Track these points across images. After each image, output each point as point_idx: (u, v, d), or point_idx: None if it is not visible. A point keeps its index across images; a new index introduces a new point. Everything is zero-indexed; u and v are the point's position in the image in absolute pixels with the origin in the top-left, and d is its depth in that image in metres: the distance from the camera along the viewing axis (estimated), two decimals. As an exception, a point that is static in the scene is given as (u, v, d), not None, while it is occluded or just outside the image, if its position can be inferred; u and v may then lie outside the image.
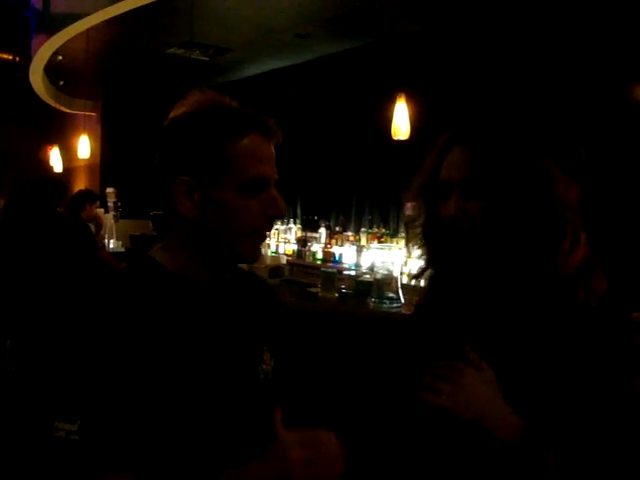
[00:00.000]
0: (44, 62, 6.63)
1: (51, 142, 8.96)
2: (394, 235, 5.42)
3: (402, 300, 3.33)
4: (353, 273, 4.82)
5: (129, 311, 1.02)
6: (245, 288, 1.25)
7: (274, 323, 1.26)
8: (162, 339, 1.01)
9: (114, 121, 8.65)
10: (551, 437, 1.05)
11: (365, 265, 5.08)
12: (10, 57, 8.60)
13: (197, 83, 6.17)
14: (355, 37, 5.33)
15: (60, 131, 9.68)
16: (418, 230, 1.31)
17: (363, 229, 5.77)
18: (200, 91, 1.12)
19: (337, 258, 5.56)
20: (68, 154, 8.75)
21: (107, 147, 8.74)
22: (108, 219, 6.76)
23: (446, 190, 1.20)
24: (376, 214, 5.91)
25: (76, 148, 7.33)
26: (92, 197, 5.18)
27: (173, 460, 0.98)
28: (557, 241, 1.14)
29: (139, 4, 4.60)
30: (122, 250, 6.64)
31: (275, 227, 6.06)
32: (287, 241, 6.25)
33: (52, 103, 8.61)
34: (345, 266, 5.32)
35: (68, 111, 9.06)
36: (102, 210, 6.48)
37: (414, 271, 1.37)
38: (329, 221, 6.22)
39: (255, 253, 1.13)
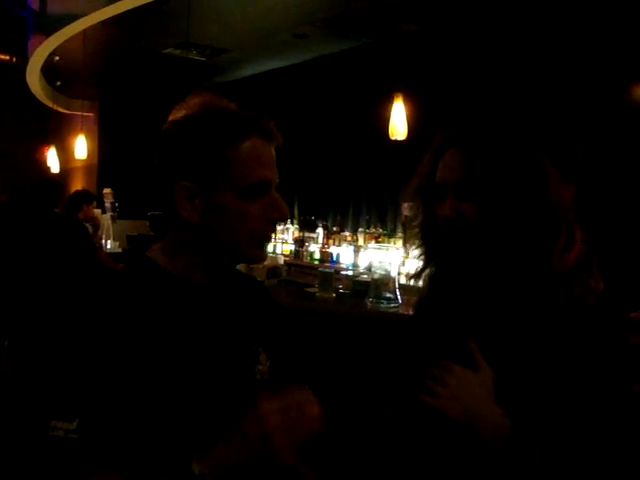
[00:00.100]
0: (41, 62, 6.63)
1: (48, 143, 8.95)
2: (391, 235, 5.42)
3: (400, 300, 3.33)
4: (351, 273, 4.83)
5: (128, 311, 1.02)
6: (241, 290, 1.25)
7: (270, 324, 1.26)
8: (160, 339, 1.01)
9: (111, 122, 8.65)
10: (542, 436, 1.06)
11: (362, 265, 5.08)
12: (7, 58, 8.60)
13: (194, 83, 6.20)
14: (353, 37, 5.33)
15: (57, 132, 9.67)
16: (416, 230, 1.32)
17: (360, 229, 5.78)
18: (199, 94, 1.11)
19: (335, 258, 5.57)
20: (65, 155, 8.74)
21: (104, 148, 8.74)
22: (105, 220, 6.76)
23: (441, 191, 1.21)
24: (373, 214, 5.91)
25: (73, 149, 7.33)
26: (89, 197, 5.18)
27: (169, 458, 0.99)
28: (552, 240, 1.15)
29: (136, 4, 4.60)
30: (119, 251, 6.63)
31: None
32: (284, 241, 6.25)
33: (49, 104, 8.60)
34: (343, 266, 5.33)
35: (65, 112, 9.06)
36: (99, 211, 6.47)
37: (413, 271, 1.38)
38: (326, 221, 6.23)
39: (260, 255, 1.13)
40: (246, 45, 5.89)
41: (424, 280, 1.35)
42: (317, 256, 5.72)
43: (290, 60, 6.22)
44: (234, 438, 0.95)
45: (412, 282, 1.42)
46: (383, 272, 3.38)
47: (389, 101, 4.38)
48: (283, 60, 6.27)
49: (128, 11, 4.75)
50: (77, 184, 9.04)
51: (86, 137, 7.26)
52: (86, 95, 8.46)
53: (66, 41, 5.76)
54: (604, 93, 3.83)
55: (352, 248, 5.46)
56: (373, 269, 3.48)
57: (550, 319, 1.12)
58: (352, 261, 5.35)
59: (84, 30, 5.42)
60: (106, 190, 7.29)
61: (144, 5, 4.57)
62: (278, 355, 1.23)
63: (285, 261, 5.65)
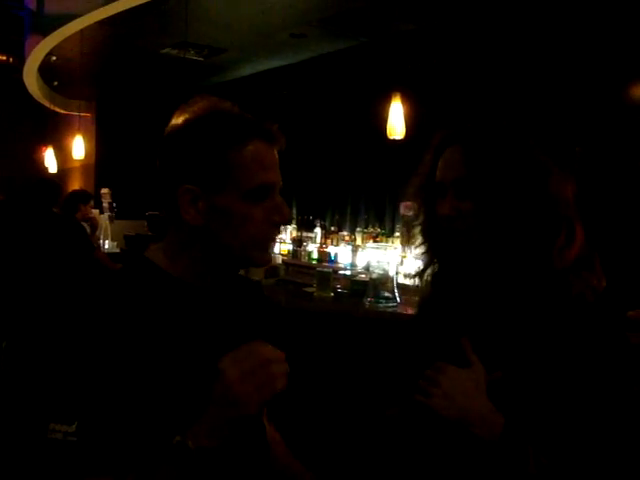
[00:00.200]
0: (38, 63, 6.62)
1: (46, 143, 8.95)
2: (389, 235, 5.42)
3: (398, 300, 3.33)
4: (349, 273, 4.82)
5: (127, 313, 1.01)
6: (239, 292, 1.24)
7: (266, 327, 1.26)
8: (158, 342, 1.01)
9: (109, 122, 8.64)
10: (538, 434, 1.06)
11: (361, 265, 5.08)
12: (4, 58, 8.59)
13: (192, 83, 6.20)
14: (350, 37, 5.33)
15: (55, 132, 9.67)
16: (418, 229, 1.32)
17: (358, 229, 5.78)
18: (202, 97, 1.11)
19: (333, 258, 5.56)
20: (63, 155, 8.73)
21: (102, 148, 8.73)
22: (103, 220, 6.75)
23: (441, 190, 1.21)
24: (371, 214, 5.91)
25: (71, 149, 7.32)
26: (86, 197, 5.16)
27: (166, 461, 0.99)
28: (552, 237, 1.15)
29: (133, 4, 4.59)
30: (117, 251, 6.63)
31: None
32: (283, 241, 6.25)
33: (46, 104, 8.59)
34: (341, 266, 5.32)
35: (63, 112, 9.05)
36: (97, 211, 6.46)
37: (415, 270, 1.38)
38: (324, 221, 6.23)
39: (265, 257, 1.13)
40: (244, 45, 5.88)
41: (425, 279, 1.35)
42: (315, 256, 5.72)
43: (288, 60, 6.22)
44: (207, 404, 0.97)
45: (413, 281, 1.43)
46: (381, 272, 3.38)
47: (387, 100, 4.38)
48: (281, 60, 6.27)
49: (125, 11, 4.74)
50: (75, 184, 9.03)
51: (83, 137, 7.25)
52: (83, 95, 8.45)
53: (63, 41, 5.75)
54: (602, 92, 3.84)
55: (350, 248, 5.46)
56: (371, 269, 3.48)
57: (549, 316, 1.12)
58: (350, 261, 5.35)
59: (81, 30, 5.41)
60: (104, 190, 7.28)
61: (141, 5, 4.57)
62: None
63: (283, 261, 5.66)
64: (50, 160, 8.66)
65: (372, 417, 1.35)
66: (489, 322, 1.18)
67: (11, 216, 4.56)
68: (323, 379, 2.94)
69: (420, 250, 1.33)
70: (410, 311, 3.23)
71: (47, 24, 5.79)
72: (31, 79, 7.39)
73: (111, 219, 6.98)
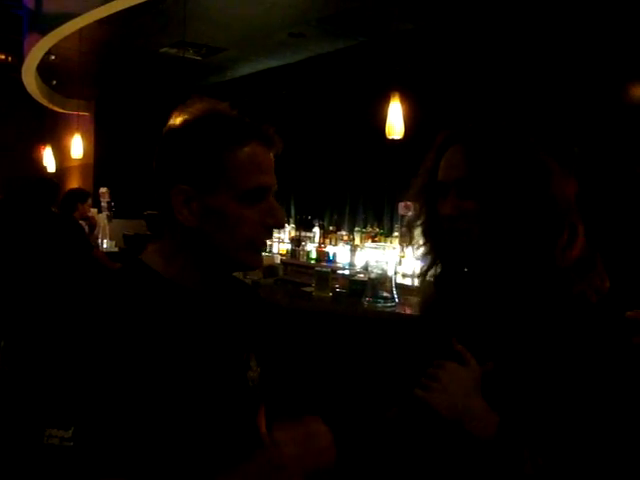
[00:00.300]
0: (37, 62, 6.60)
1: (44, 142, 8.94)
2: (388, 234, 5.43)
3: (396, 299, 3.33)
4: (347, 272, 4.82)
5: (122, 317, 1.01)
6: (234, 295, 1.24)
7: (261, 330, 1.26)
8: (154, 345, 1.01)
9: (107, 121, 8.63)
10: (535, 432, 1.06)
11: (359, 264, 5.08)
12: (2, 57, 8.58)
13: (190, 83, 6.18)
14: (349, 36, 5.33)
15: (53, 131, 9.66)
16: (420, 229, 1.32)
17: (357, 228, 5.78)
18: (199, 98, 1.11)
19: (331, 257, 5.57)
20: (61, 154, 8.73)
21: (100, 147, 8.72)
22: (101, 219, 6.74)
23: (443, 190, 1.21)
24: (370, 213, 5.92)
25: (69, 148, 7.32)
26: (83, 196, 5.15)
27: (164, 465, 0.98)
28: (554, 236, 1.15)
29: (132, 3, 4.58)
30: (116, 250, 6.62)
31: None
32: (281, 240, 6.25)
33: (45, 103, 8.58)
34: (339, 265, 5.33)
35: (61, 111, 9.04)
36: (96, 210, 6.46)
37: (420, 270, 1.38)
38: (323, 220, 6.23)
39: (256, 261, 1.13)
40: (242, 44, 5.88)
41: (426, 279, 1.35)
42: (314, 255, 5.72)
43: (286, 59, 6.21)
44: (250, 466, 0.98)
45: (411, 281, 1.43)
46: (380, 271, 3.38)
47: (386, 100, 4.38)
48: (279, 59, 6.26)
49: (124, 10, 4.73)
50: (73, 183, 9.01)
51: (82, 136, 7.25)
52: (82, 94, 8.44)
53: (62, 40, 5.74)
54: (601, 92, 3.84)
55: (349, 247, 5.47)
56: (370, 268, 3.48)
57: (549, 314, 1.13)
58: (349, 260, 5.35)
59: (80, 29, 5.40)
60: (102, 189, 7.27)
61: (140, 4, 4.56)
62: (268, 361, 1.23)
63: (282, 260, 5.66)
64: (49, 159, 8.65)
65: (372, 417, 1.35)
66: (491, 321, 1.19)
67: (9, 215, 4.56)
68: (322, 379, 2.94)
69: (422, 250, 1.33)
70: (408, 311, 3.23)
71: (46, 23, 5.77)
72: (30, 78, 7.38)
73: (109, 218, 6.97)
